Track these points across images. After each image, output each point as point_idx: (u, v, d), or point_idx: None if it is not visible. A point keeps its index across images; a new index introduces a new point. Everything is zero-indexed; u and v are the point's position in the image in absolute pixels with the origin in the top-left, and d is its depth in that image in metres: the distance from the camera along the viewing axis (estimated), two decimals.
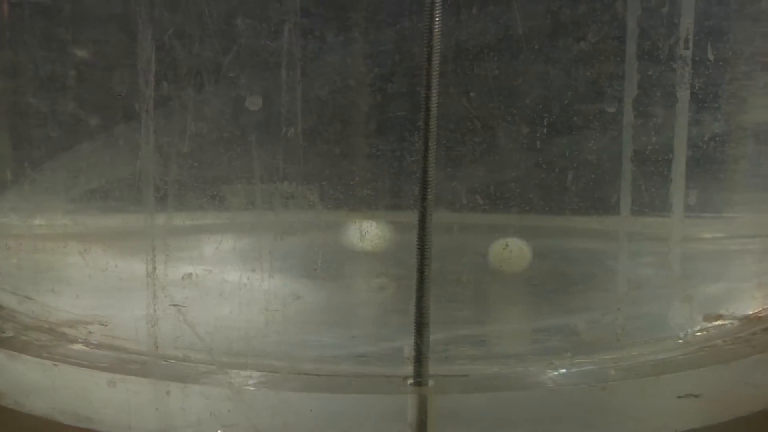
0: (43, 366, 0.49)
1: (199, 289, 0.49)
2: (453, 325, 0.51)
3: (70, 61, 0.50)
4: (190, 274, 0.48)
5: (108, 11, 0.48)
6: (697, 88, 0.52)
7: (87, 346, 0.51)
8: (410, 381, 0.46)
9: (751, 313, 0.56)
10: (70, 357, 0.50)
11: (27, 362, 0.50)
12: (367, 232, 0.50)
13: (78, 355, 0.50)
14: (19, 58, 0.53)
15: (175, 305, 0.47)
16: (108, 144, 0.50)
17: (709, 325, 0.54)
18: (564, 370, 0.49)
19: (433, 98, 0.44)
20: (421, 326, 0.46)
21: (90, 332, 0.52)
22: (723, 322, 0.55)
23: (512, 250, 0.50)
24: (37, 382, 0.49)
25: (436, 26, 0.43)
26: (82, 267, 0.53)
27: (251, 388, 0.46)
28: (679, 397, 0.48)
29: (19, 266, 0.55)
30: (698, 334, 0.53)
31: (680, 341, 0.53)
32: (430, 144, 0.44)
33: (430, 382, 0.46)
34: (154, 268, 0.47)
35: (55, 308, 0.53)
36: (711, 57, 0.52)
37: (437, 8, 0.42)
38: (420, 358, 0.46)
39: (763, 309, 0.57)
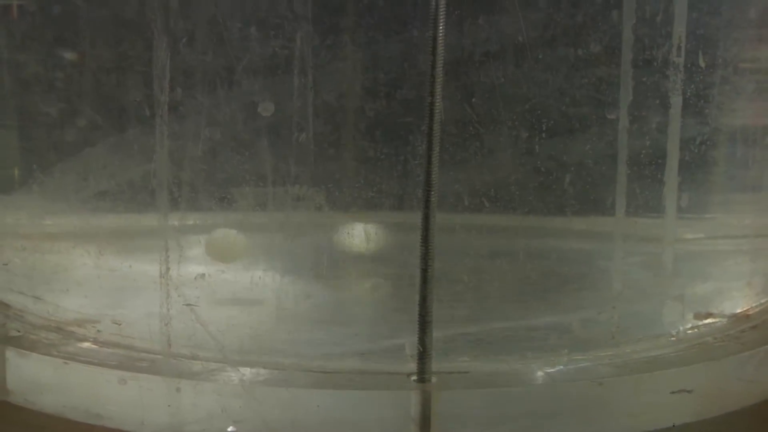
0: (53, 364, 0.50)
1: (211, 288, 0.50)
2: (454, 324, 0.52)
3: (81, 66, 0.51)
4: (203, 274, 0.49)
5: (122, 17, 0.50)
6: (689, 94, 0.53)
7: (96, 345, 0.52)
8: (414, 378, 0.48)
9: (739, 311, 0.58)
10: (79, 355, 0.51)
11: (37, 360, 0.51)
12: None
13: (87, 353, 0.51)
14: (30, 61, 0.54)
15: (188, 305, 0.48)
16: (121, 147, 0.51)
17: (700, 323, 0.56)
18: (561, 367, 0.50)
19: (437, 104, 0.45)
20: (424, 325, 0.47)
21: (99, 331, 0.53)
22: (713, 320, 0.57)
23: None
24: (48, 379, 0.50)
25: (440, 36, 0.44)
26: (91, 267, 0.53)
27: (261, 385, 0.47)
28: (673, 392, 0.49)
29: (28, 266, 0.56)
30: (690, 331, 0.55)
31: (673, 339, 0.54)
32: (433, 148, 0.46)
33: (433, 379, 0.48)
34: (168, 269, 0.48)
35: (64, 308, 0.54)
36: (702, 64, 0.53)
37: (441, 18, 0.44)
38: (423, 356, 0.48)
39: (751, 307, 0.59)
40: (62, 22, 0.53)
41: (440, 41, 0.44)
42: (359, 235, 0.52)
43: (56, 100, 0.53)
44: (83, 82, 0.52)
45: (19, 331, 0.54)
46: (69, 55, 0.52)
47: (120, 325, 0.51)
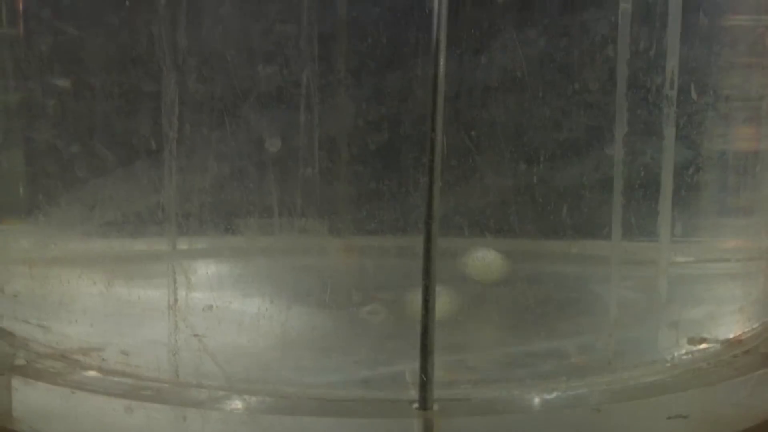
0: (60, 393, 0.51)
1: (217, 318, 0.51)
2: (454, 350, 0.53)
3: (94, 100, 0.52)
4: (210, 306, 0.50)
5: (132, 53, 0.51)
6: (681, 125, 0.55)
7: (101, 373, 0.53)
8: (416, 405, 0.49)
9: (732, 336, 0.59)
10: (85, 384, 0.51)
11: (44, 389, 0.51)
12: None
13: (93, 382, 0.52)
14: (37, 94, 0.55)
15: (196, 335, 0.49)
16: (129, 178, 0.52)
17: (694, 348, 0.57)
18: (560, 394, 0.51)
19: (438, 138, 0.46)
20: (426, 354, 0.48)
21: (104, 359, 0.54)
22: (706, 345, 0.58)
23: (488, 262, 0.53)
24: (55, 408, 0.51)
25: (441, 72, 0.46)
26: (96, 295, 0.54)
27: (266, 413, 0.48)
28: (669, 418, 0.50)
29: (33, 294, 0.57)
30: (684, 357, 0.56)
31: (668, 364, 0.55)
32: (435, 181, 0.47)
33: (435, 406, 0.49)
34: (176, 300, 0.49)
35: (69, 336, 0.55)
36: (694, 96, 0.55)
37: (442, 56, 0.45)
38: (425, 384, 0.49)
39: (744, 332, 0.60)
40: (70, 54, 0.54)
41: (441, 78, 0.45)
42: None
43: (65, 132, 0.55)
44: (93, 116, 0.53)
45: (25, 360, 0.54)
46: (78, 89, 0.53)
47: (128, 355, 0.52)
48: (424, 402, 0.49)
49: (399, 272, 0.55)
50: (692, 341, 0.57)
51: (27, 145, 0.58)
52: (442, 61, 0.45)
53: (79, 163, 0.54)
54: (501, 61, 0.50)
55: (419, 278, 0.48)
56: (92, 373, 0.53)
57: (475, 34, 0.49)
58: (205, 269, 0.52)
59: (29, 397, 0.52)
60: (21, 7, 0.56)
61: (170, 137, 0.47)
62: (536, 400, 0.50)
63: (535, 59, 0.50)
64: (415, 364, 0.49)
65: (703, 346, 0.57)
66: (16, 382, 0.52)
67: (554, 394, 0.51)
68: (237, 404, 0.48)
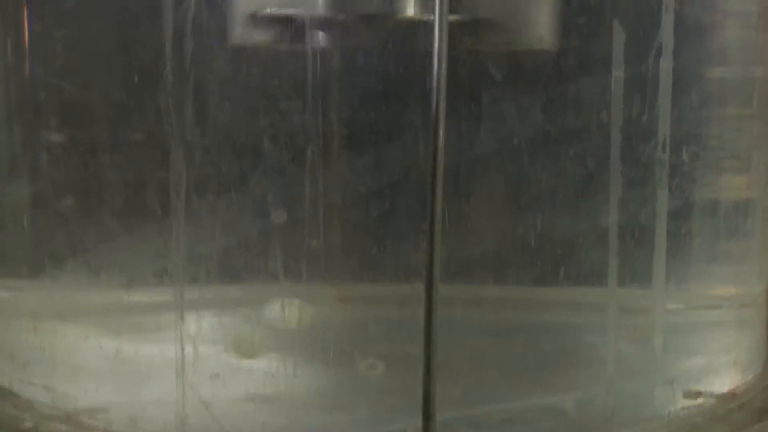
0: None
1: (223, 383, 0.52)
2: (453, 405, 0.54)
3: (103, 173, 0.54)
4: (218, 374, 0.51)
5: (139, 126, 0.52)
6: (674, 186, 0.56)
7: None
8: None
9: (727, 390, 0.60)
10: None
11: None
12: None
13: None
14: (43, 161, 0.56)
15: (203, 402, 0.50)
16: (136, 244, 0.53)
17: (690, 403, 0.58)
18: None
19: (438, 203, 0.48)
20: (428, 417, 0.49)
21: (109, 422, 0.54)
22: (702, 399, 0.59)
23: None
24: None
25: (440, 141, 0.47)
26: (103, 357, 0.55)
27: None
28: None
29: (39, 356, 0.57)
30: (681, 412, 0.57)
31: (665, 420, 0.56)
32: (435, 249, 0.48)
33: None
34: (183, 369, 0.50)
35: (74, 397, 0.56)
36: (686, 158, 0.56)
37: (441, 126, 0.47)
38: None
39: (738, 386, 0.61)
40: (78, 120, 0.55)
41: (440, 149, 0.47)
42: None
43: (69, 194, 0.56)
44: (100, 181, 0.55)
45: (31, 423, 0.55)
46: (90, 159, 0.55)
47: (135, 420, 0.52)
48: None
49: (397, 326, 0.55)
50: (688, 396, 0.58)
51: (33, 207, 0.59)
52: (441, 134, 0.47)
53: (85, 227, 0.55)
54: (496, 129, 0.51)
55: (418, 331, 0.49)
56: None
57: (472, 108, 0.50)
58: (211, 332, 0.53)
59: None
60: (28, 71, 0.58)
61: (178, 208, 0.48)
62: None
63: (530, 126, 0.52)
64: (417, 422, 0.50)
65: (699, 400, 0.58)
66: None
67: None
68: None
